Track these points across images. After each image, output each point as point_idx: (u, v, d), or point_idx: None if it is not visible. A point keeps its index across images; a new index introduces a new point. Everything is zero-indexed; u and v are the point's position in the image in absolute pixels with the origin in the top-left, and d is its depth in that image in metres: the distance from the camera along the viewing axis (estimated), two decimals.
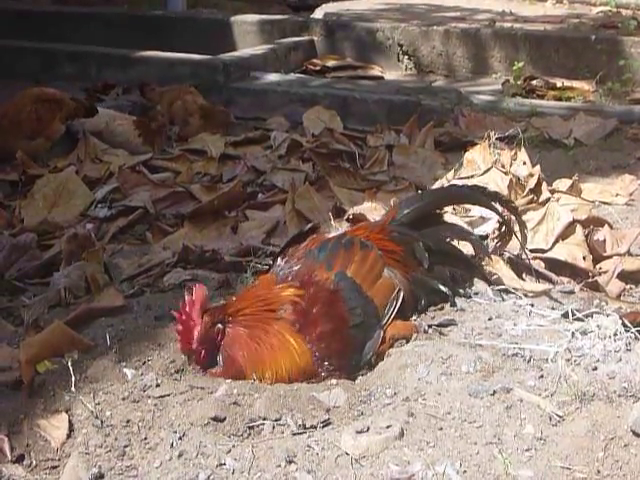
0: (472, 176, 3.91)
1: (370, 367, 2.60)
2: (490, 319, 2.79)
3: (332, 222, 3.61)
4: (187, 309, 2.53)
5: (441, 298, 2.87)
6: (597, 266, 3.30)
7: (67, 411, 2.41)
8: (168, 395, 2.44)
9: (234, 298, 2.68)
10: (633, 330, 2.59)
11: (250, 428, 2.31)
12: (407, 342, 2.65)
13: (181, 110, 5.34)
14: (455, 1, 7.93)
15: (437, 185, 3.99)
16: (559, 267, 3.25)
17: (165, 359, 2.63)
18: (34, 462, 2.28)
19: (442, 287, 2.86)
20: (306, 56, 6.76)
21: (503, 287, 3.00)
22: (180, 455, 2.21)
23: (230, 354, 2.53)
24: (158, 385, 2.50)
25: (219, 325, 2.54)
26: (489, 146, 4.20)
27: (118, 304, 3.01)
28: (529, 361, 2.53)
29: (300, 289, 2.62)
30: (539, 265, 3.23)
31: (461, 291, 2.92)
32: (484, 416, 2.29)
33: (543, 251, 3.30)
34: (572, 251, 3.29)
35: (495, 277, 3.04)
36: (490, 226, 3.37)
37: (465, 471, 2.12)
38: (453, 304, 2.86)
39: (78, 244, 3.50)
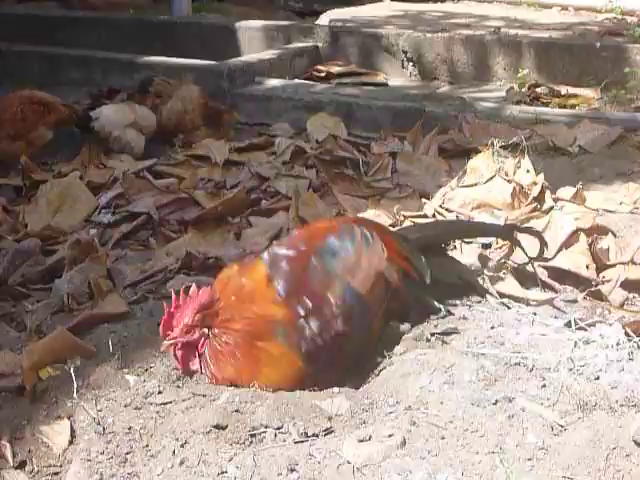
0: (476, 184, 3.90)
1: (373, 375, 2.60)
2: (493, 328, 2.79)
3: None
4: (186, 300, 2.52)
5: (432, 311, 2.87)
6: (600, 275, 3.29)
7: (69, 417, 2.41)
8: (170, 402, 2.45)
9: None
10: (636, 339, 2.59)
11: (252, 436, 2.31)
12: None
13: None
14: (461, 8, 7.93)
15: (440, 191, 3.98)
16: (562, 276, 3.24)
17: (167, 366, 2.63)
18: (36, 468, 2.29)
19: (436, 303, 2.86)
20: (311, 62, 6.75)
21: (506, 296, 3.00)
22: (182, 463, 2.21)
23: (212, 369, 2.51)
24: (160, 392, 2.50)
25: (204, 330, 2.51)
26: (493, 154, 4.19)
27: (121, 310, 3.02)
28: (531, 370, 2.52)
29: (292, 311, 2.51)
30: (542, 274, 3.23)
31: (461, 301, 2.93)
32: (486, 425, 2.28)
33: (546, 260, 3.29)
34: (575, 260, 3.29)
35: (498, 285, 3.04)
36: None
37: None
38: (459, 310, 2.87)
39: (81, 250, 3.50)
